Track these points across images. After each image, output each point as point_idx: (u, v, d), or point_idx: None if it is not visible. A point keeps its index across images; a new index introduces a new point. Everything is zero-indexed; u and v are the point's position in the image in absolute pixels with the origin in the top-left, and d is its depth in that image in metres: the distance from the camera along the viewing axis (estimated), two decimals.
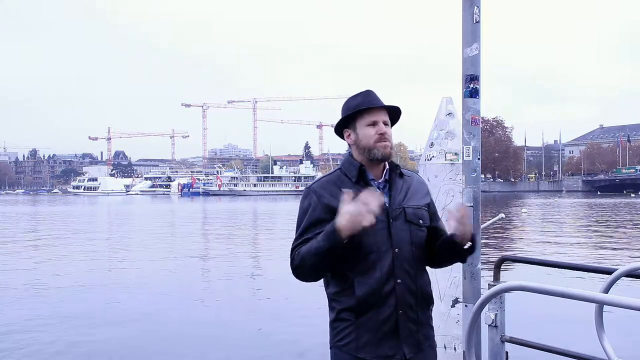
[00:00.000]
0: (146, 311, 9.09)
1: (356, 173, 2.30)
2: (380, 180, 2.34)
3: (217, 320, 8.55)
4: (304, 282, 2.32)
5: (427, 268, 2.40)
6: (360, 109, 2.32)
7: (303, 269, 2.21)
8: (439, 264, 2.45)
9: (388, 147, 2.30)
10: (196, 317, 8.66)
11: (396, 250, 2.24)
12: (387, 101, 2.38)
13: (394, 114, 2.40)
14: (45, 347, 7.02)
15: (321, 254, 2.11)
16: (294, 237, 2.31)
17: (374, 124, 2.30)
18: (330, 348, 2.33)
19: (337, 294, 2.28)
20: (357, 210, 2.00)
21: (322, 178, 2.37)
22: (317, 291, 2.54)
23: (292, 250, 2.27)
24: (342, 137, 2.42)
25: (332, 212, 2.18)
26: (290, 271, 2.27)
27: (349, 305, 2.23)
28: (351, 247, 2.11)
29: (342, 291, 2.25)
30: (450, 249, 2.32)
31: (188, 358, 6.74)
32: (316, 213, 2.26)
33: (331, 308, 2.32)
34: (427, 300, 2.34)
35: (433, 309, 2.40)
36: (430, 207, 2.44)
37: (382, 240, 2.23)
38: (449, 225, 2.30)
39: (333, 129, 2.47)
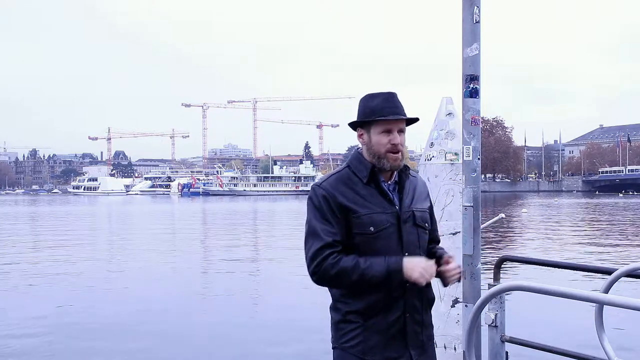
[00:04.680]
0: (146, 309, 9.09)
1: (367, 174, 2.27)
2: (390, 182, 2.33)
3: (217, 320, 8.55)
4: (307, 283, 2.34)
5: None
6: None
7: (338, 280, 2.18)
8: None
9: (399, 159, 2.27)
10: (196, 317, 8.66)
11: (406, 254, 2.23)
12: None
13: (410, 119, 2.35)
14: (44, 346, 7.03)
15: (373, 281, 2.16)
16: (307, 237, 2.23)
17: (388, 132, 2.27)
18: (334, 348, 2.29)
19: (344, 296, 2.25)
20: (426, 270, 2.16)
21: (331, 176, 2.31)
22: (317, 289, 2.53)
23: (317, 252, 2.17)
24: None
25: (346, 211, 2.17)
26: (308, 274, 2.21)
27: (358, 307, 2.21)
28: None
29: (350, 293, 2.22)
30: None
31: (190, 358, 6.74)
32: (332, 213, 2.21)
33: (337, 309, 2.28)
34: (430, 302, 2.37)
35: (433, 308, 2.42)
36: (430, 210, 2.46)
37: (393, 244, 2.23)
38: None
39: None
